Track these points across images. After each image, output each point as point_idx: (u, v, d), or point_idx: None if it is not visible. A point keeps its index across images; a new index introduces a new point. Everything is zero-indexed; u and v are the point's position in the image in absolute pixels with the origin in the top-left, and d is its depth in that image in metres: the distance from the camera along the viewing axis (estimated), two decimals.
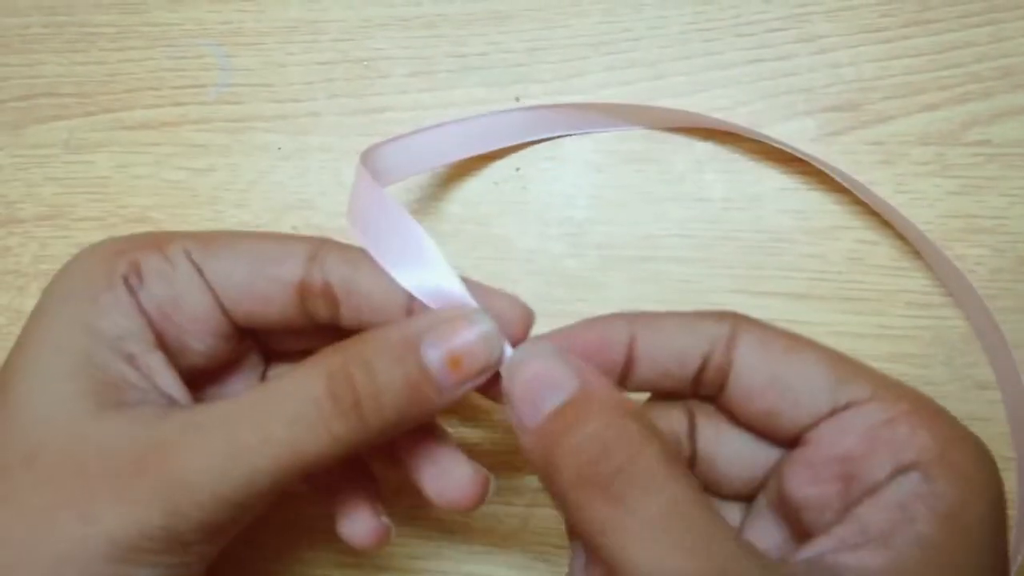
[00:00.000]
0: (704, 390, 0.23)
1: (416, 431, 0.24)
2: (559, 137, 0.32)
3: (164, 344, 0.23)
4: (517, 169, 0.32)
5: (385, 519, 0.25)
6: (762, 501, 0.22)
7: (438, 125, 0.30)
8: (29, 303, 0.34)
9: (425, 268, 0.22)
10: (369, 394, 0.21)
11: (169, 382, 0.23)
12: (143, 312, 0.23)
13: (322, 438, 0.20)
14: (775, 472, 0.22)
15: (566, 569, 0.30)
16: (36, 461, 0.20)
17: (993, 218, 0.30)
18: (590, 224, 0.32)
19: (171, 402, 0.23)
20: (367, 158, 0.26)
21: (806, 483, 0.21)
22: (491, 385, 0.22)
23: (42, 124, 0.35)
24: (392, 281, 0.23)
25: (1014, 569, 0.28)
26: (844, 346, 0.30)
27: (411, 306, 0.23)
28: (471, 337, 0.21)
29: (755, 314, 0.30)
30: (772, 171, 0.31)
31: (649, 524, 0.18)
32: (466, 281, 0.23)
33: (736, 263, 0.31)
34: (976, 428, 0.29)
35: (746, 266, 0.31)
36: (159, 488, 0.20)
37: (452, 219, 0.32)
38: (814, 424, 0.21)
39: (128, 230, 0.34)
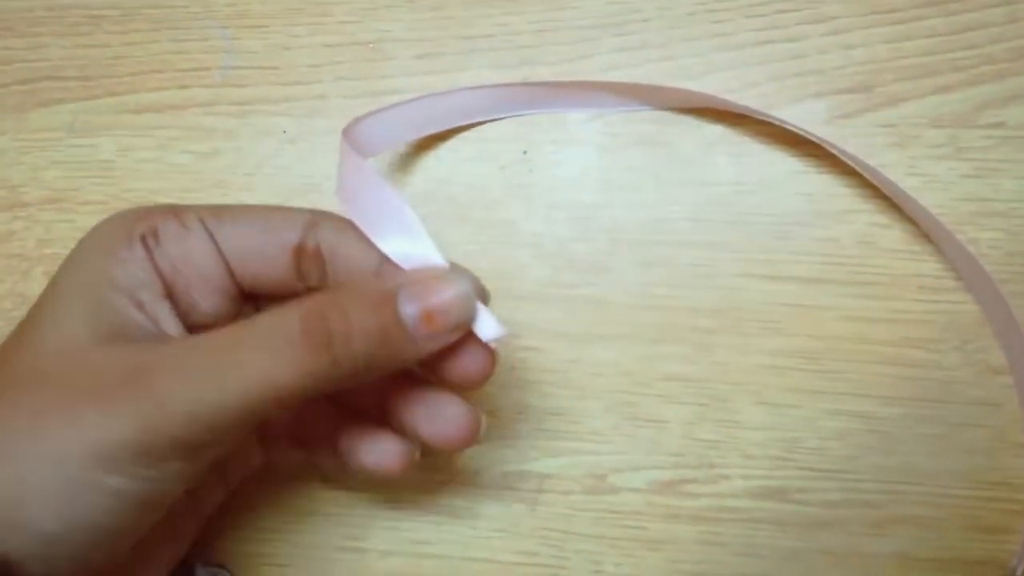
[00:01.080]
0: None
1: (403, 377, 0.25)
2: (563, 112, 0.32)
3: (173, 299, 0.25)
4: (524, 152, 0.32)
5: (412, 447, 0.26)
6: None
7: (423, 96, 0.30)
8: (34, 287, 0.34)
9: (406, 237, 0.23)
10: (341, 333, 0.21)
11: (173, 328, 0.25)
12: (156, 268, 0.25)
13: (292, 369, 0.21)
14: None
15: (572, 555, 0.30)
16: (40, 378, 0.22)
17: (1007, 201, 0.30)
18: (598, 208, 0.32)
19: (167, 337, 0.25)
20: (350, 131, 0.26)
21: None
22: (459, 358, 0.23)
23: (46, 108, 0.35)
24: (370, 246, 0.24)
25: (1020, 569, 0.28)
26: (856, 330, 0.30)
27: (382, 269, 0.24)
28: (447, 295, 0.22)
29: (767, 299, 0.30)
30: (783, 154, 0.31)
31: None
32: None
33: (747, 247, 0.31)
34: (988, 413, 0.29)
35: (757, 250, 0.30)
36: (137, 402, 0.21)
37: (458, 203, 0.32)
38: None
39: None
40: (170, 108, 0.34)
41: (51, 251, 0.34)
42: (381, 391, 0.26)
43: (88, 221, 0.34)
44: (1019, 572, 0.28)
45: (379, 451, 0.26)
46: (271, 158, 0.33)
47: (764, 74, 0.31)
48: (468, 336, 0.23)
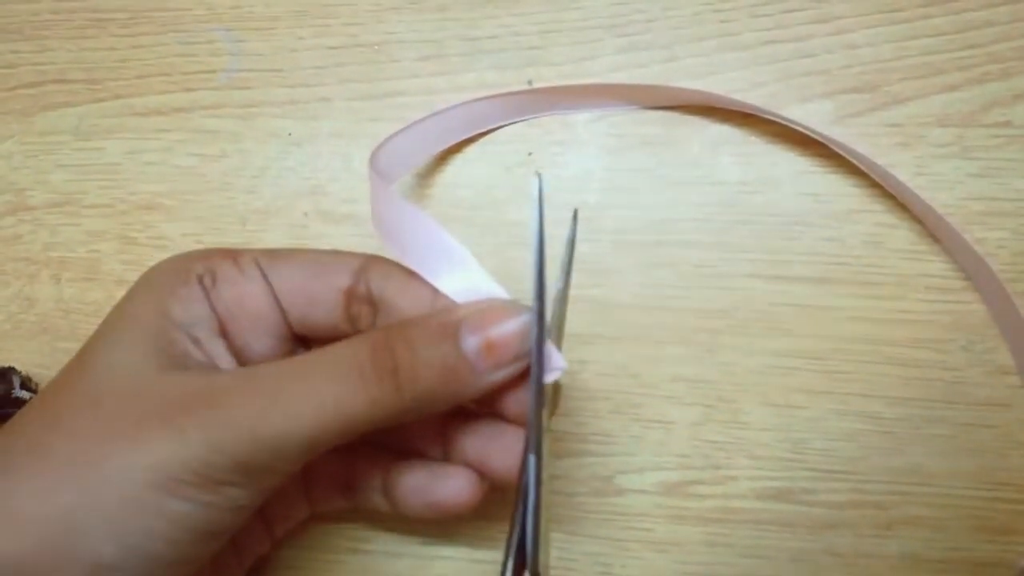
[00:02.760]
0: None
1: (461, 412, 0.26)
2: (571, 114, 0.32)
3: (227, 338, 0.25)
4: (529, 154, 0.32)
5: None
6: None
7: (443, 110, 0.30)
8: (40, 290, 0.34)
9: (460, 271, 0.24)
10: (408, 366, 0.22)
11: (227, 364, 0.25)
12: (213, 308, 0.25)
13: (360, 399, 0.22)
14: None
15: (579, 557, 0.30)
16: (100, 404, 0.22)
17: (1014, 200, 0.30)
18: (603, 209, 0.31)
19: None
20: (377, 157, 0.27)
21: None
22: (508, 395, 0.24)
23: (52, 111, 0.35)
24: (420, 288, 0.25)
25: None
26: (862, 331, 0.30)
27: (436, 303, 0.25)
28: (507, 327, 0.22)
29: (774, 299, 0.30)
30: (789, 154, 0.31)
31: None
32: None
33: (753, 247, 0.30)
34: (995, 414, 0.29)
35: (763, 250, 0.30)
36: (204, 424, 0.21)
37: (464, 205, 0.32)
38: None
39: (139, 217, 0.34)
40: (176, 111, 0.34)
41: (57, 254, 0.34)
42: (440, 428, 0.26)
43: (94, 224, 0.34)
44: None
45: (451, 486, 0.26)
46: (276, 160, 0.33)
47: (770, 74, 0.31)
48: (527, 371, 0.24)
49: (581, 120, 0.32)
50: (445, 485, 0.26)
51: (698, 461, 0.30)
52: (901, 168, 0.30)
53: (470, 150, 0.32)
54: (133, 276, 0.26)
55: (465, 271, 0.24)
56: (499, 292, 0.24)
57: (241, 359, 0.26)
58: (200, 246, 0.32)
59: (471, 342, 0.22)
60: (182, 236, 0.33)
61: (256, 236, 0.33)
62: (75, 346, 0.24)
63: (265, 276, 0.26)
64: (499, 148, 0.32)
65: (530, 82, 0.32)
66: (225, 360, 0.25)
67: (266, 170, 0.33)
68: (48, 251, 0.34)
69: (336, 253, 0.26)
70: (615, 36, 0.32)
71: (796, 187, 0.31)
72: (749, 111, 0.31)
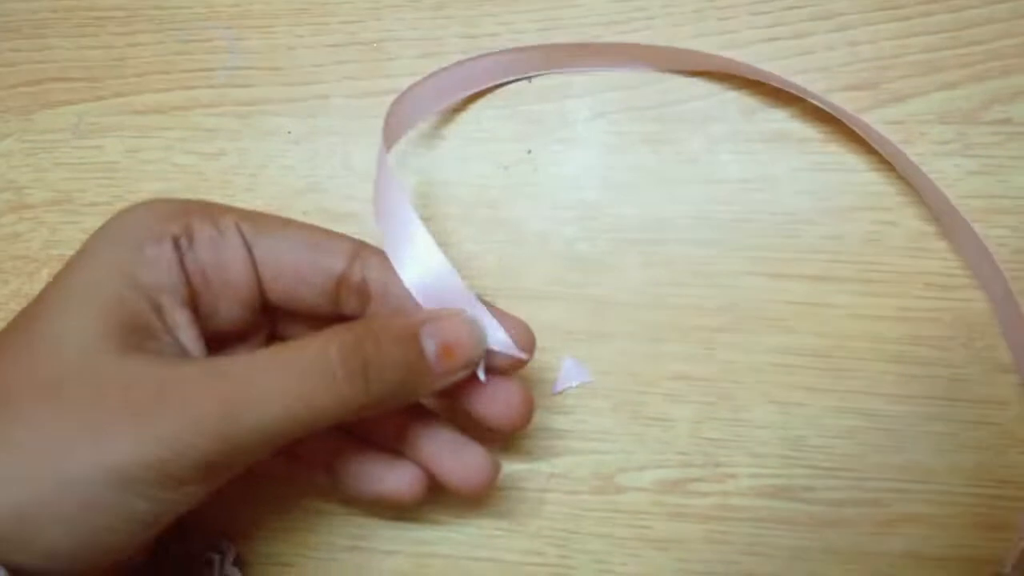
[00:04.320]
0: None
1: (424, 416, 0.27)
2: (586, 72, 0.32)
3: (195, 304, 0.25)
4: (528, 151, 0.32)
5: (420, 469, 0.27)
6: None
7: (461, 62, 0.31)
8: (39, 288, 0.34)
9: (430, 271, 0.25)
10: (375, 363, 0.22)
11: (189, 339, 0.24)
12: (184, 271, 0.24)
13: (329, 395, 0.22)
14: None
15: (578, 555, 0.30)
16: (60, 390, 0.21)
17: (1015, 198, 0.29)
18: (602, 207, 0.31)
19: (186, 353, 0.24)
20: (394, 110, 0.28)
21: None
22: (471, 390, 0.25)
23: (51, 109, 0.35)
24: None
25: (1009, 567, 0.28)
26: (862, 328, 0.30)
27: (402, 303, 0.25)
28: (462, 333, 0.24)
29: (773, 297, 0.30)
30: (788, 151, 0.31)
31: None
32: (482, 300, 0.25)
33: (752, 245, 0.30)
34: (996, 411, 0.29)
35: (762, 248, 0.30)
36: (170, 424, 0.21)
37: (462, 203, 0.32)
38: None
39: None
40: (175, 109, 0.34)
41: (57, 252, 0.34)
42: (400, 425, 0.27)
43: (94, 222, 0.34)
44: (1008, 570, 0.28)
45: (398, 479, 0.27)
46: (275, 158, 0.33)
47: (770, 71, 0.31)
48: (512, 383, 0.25)
49: (580, 118, 0.32)
50: (393, 477, 0.27)
51: (698, 459, 0.30)
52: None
53: (469, 147, 0.32)
54: None
55: (428, 261, 0.24)
56: (458, 284, 0.24)
57: (205, 327, 0.25)
58: None
59: (430, 344, 0.23)
60: None
61: None
62: None
63: (247, 244, 0.25)
64: (498, 146, 0.32)
65: (529, 79, 0.32)
66: (189, 331, 0.24)
67: (265, 168, 0.33)
68: (48, 249, 0.34)
69: (327, 233, 0.26)
70: (615, 33, 0.32)
71: (796, 185, 0.31)
72: (772, 82, 0.30)
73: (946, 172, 0.30)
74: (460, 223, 0.32)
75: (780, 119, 0.31)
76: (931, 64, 0.30)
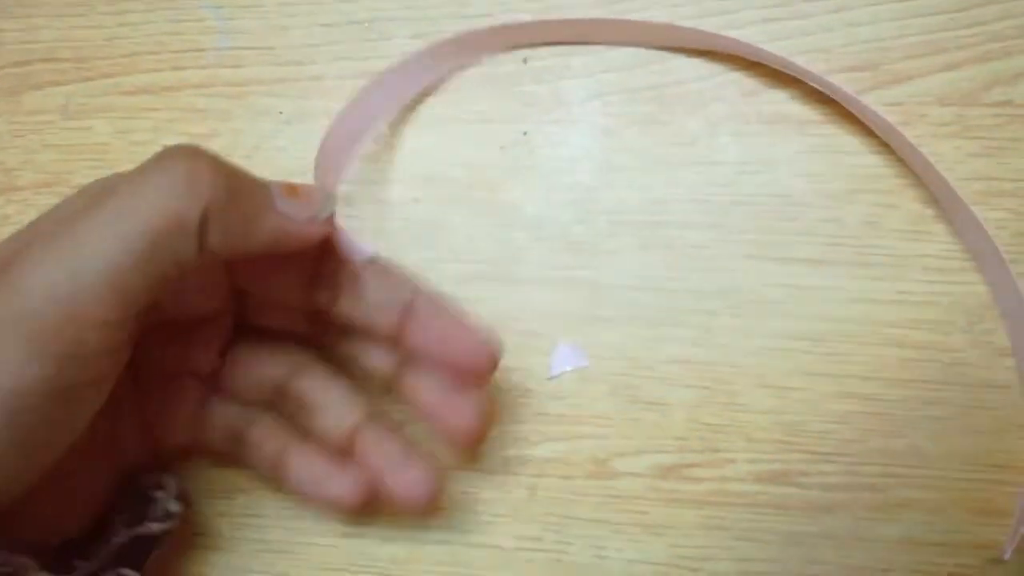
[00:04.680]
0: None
1: (374, 424, 0.27)
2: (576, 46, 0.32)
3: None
4: (524, 133, 0.32)
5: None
6: None
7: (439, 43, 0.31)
8: None
9: None
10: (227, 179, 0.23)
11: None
12: None
13: (193, 209, 0.21)
14: None
15: (575, 540, 0.30)
16: None
17: (1015, 180, 0.29)
18: (599, 189, 0.31)
19: None
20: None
21: None
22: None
23: (39, 90, 0.34)
24: (393, 286, 0.26)
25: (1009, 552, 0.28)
26: (861, 312, 0.29)
27: (406, 315, 0.26)
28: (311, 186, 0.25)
29: (771, 280, 0.30)
30: (787, 134, 0.30)
31: None
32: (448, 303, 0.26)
33: (750, 228, 0.30)
34: (995, 395, 0.29)
35: (760, 231, 0.30)
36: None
37: (457, 185, 0.32)
38: None
39: None
40: (165, 90, 0.34)
41: None
42: (351, 430, 0.27)
43: None
44: (1008, 555, 0.27)
45: (338, 484, 0.27)
46: (268, 139, 0.33)
47: (770, 51, 0.31)
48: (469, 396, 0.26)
49: (577, 99, 0.32)
50: (336, 483, 0.27)
51: (694, 444, 0.30)
52: (900, 147, 0.30)
53: (465, 129, 0.32)
54: None
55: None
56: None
57: (171, 312, 0.25)
58: None
59: (275, 187, 0.24)
60: None
61: None
62: None
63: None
64: (493, 127, 0.32)
65: (525, 61, 0.32)
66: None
67: (257, 149, 0.33)
68: None
69: None
70: (613, 14, 0.32)
71: (794, 167, 0.30)
72: (771, 63, 0.30)
73: (946, 154, 0.29)
74: (456, 205, 0.32)
75: (779, 100, 0.30)
76: (931, 45, 0.30)
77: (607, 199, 0.31)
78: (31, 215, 0.33)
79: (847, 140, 0.30)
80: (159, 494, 0.27)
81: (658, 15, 0.31)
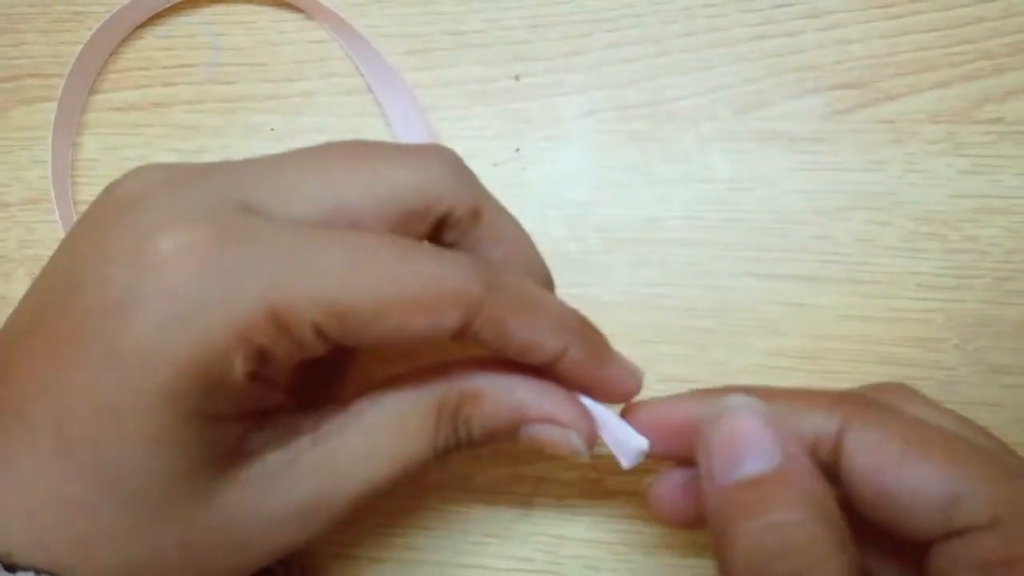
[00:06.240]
0: None
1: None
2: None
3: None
4: (517, 150, 0.32)
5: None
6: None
7: None
8: (15, 288, 0.33)
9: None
10: (466, 438, 0.22)
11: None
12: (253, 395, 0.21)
13: (421, 455, 0.22)
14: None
15: (567, 560, 0.29)
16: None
17: (1007, 198, 0.29)
18: (592, 206, 0.31)
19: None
20: None
21: None
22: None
23: (28, 106, 0.34)
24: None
25: None
26: (854, 330, 0.29)
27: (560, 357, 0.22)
28: (559, 444, 0.22)
29: (764, 298, 0.30)
30: (780, 150, 0.30)
31: None
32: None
33: (743, 245, 0.30)
34: (989, 414, 0.29)
35: (753, 248, 0.30)
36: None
37: None
38: (931, 542, 0.19)
39: None
40: (155, 106, 0.33)
41: (32, 252, 0.33)
42: None
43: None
44: None
45: None
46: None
47: (760, 70, 0.31)
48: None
49: (570, 116, 0.31)
50: None
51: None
52: (893, 164, 0.30)
53: (457, 145, 0.31)
54: None
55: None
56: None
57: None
58: None
59: (525, 434, 0.22)
60: None
61: None
62: None
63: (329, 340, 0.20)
64: (486, 144, 0.32)
65: (517, 77, 0.32)
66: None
67: None
68: (23, 249, 0.33)
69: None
70: (604, 31, 0.32)
71: (787, 184, 0.30)
72: None
73: (937, 172, 0.30)
74: None
75: (772, 118, 0.30)
76: (922, 63, 0.30)
77: (600, 216, 0.31)
78: (18, 232, 0.33)
79: (840, 157, 0.30)
80: (278, 568, 0.27)
81: (648, 32, 0.31)
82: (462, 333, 0.20)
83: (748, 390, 0.22)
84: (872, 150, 0.30)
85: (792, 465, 0.19)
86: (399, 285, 0.19)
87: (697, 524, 0.23)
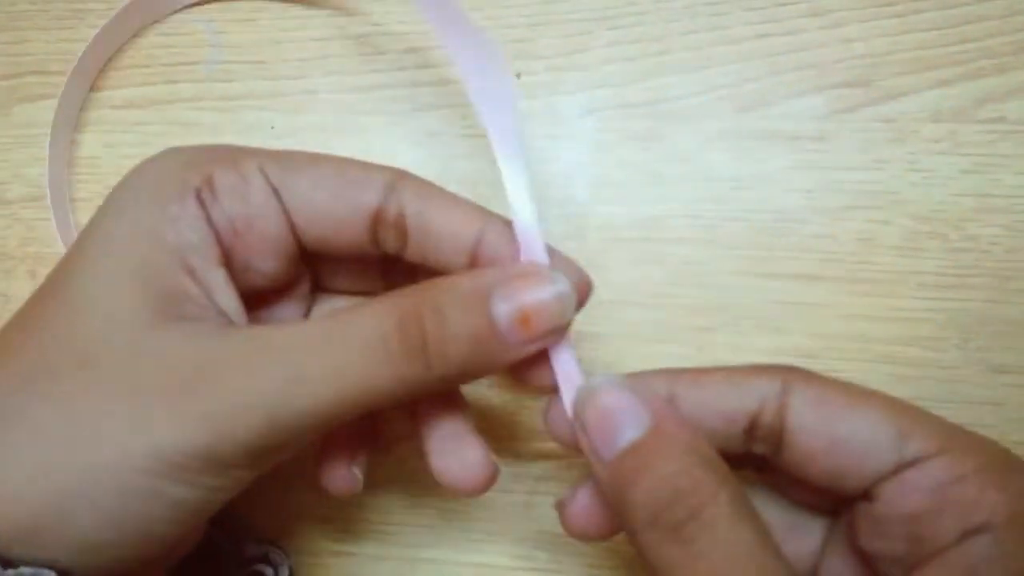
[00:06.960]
0: (758, 449, 0.22)
1: (440, 402, 0.24)
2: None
3: (228, 261, 0.22)
4: None
5: (358, 472, 0.25)
6: (839, 535, 0.22)
7: None
8: (16, 286, 0.33)
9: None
10: (437, 339, 0.20)
11: (227, 300, 0.22)
12: (212, 227, 0.22)
13: (387, 375, 0.20)
14: (845, 518, 0.22)
15: (567, 558, 0.29)
16: (90, 366, 0.20)
17: (1008, 197, 0.29)
18: (592, 205, 0.31)
19: (227, 321, 0.22)
20: None
21: (874, 538, 0.20)
22: (537, 366, 0.22)
23: (29, 103, 0.34)
24: (462, 217, 0.23)
25: None
26: (855, 328, 0.29)
27: (477, 247, 0.23)
28: (544, 295, 0.21)
29: (765, 297, 0.30)
30: (780, 150, 0.30)
31: (718, 569, 0.18)
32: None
33: (743, 244, 0.30)
34: (990, 413, 0.29)
35: (754, 247, 0.30)
36: (214, 405, 0.19)
37: None
38: (879, 481, 0.20)
39: None
40: (155, 103, 0.33)
41: (33, 249, 0.33)
42: (411, 407, 0.24)
43: (73, 220, 0.33)
44: None
45: (332, 474, 0.25)
46: None
47: (762, 68, 0.31)
48: (475, 443, 0.24)
49: (571, 115, 0.31)
50: (328, 468, 0.25)
51: None
52: (894, 163, 0.30)
53: (457, 143, 0.32)
54: None
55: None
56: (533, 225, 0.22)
57: (242, 281, 0.23)
58: None
59: (503, 311, 0.20)
60: None
61: None
62: None
63: (275, 188, 0.22)
64: (487, 142, 0.31)
65: (519, 75, 0.32)
66: (225, 293, 0.22)
67: None
68: (24, 246, 0.33)
69: (361, 166, 0.23)
70: (606, 29, 0.32)
71: (787, 183, 0.30)
72: None
73: (938, 170, 0.30)
74: None
75: (772, 116, 0.30)
76: (924, 62, 0.30)
77: (600, 214, 0.31)
78: (19, 230, 0.33)
79: (841, 156, 0.30)
80: (267, 570, 0.27)
81: (651, 30, 0.31)
82: (385, 209, 0.22)
83: (683, 371, 0.22)
84: (873, 149, 0.30)
85: (663, 423, 0.20)
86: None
87: (612, 533, 0.23)
